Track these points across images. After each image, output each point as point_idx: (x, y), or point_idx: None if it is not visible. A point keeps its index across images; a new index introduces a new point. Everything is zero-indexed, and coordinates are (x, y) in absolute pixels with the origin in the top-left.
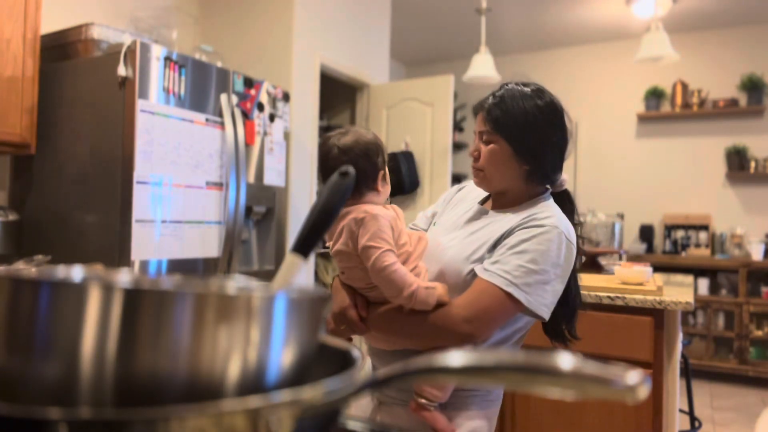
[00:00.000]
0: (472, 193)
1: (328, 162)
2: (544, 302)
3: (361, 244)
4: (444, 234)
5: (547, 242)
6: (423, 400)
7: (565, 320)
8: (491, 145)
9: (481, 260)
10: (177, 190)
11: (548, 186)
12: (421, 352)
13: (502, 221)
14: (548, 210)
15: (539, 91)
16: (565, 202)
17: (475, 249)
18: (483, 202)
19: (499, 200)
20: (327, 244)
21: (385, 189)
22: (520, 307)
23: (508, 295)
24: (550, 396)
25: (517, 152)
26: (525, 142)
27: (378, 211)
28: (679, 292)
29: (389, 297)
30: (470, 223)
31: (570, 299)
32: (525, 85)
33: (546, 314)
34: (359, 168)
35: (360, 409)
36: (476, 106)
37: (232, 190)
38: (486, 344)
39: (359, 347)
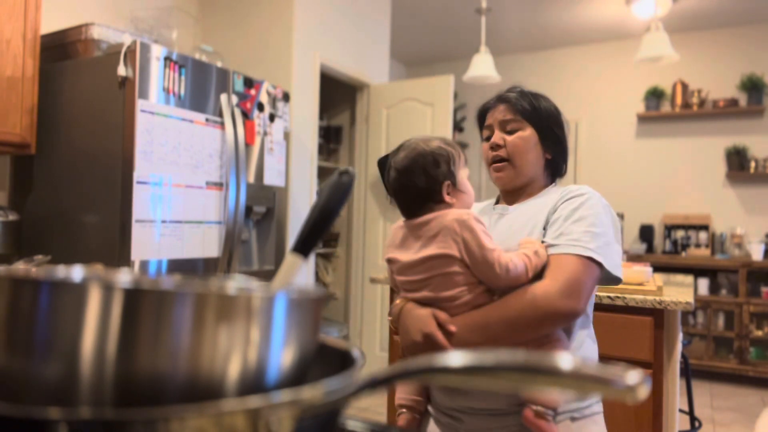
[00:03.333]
0: (477, 207)
1: (387, 183)
2: (615, 262)
3: (477, 248)
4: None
5: (595, 206)
6: (540, 408)
7: None
8: (519, 132)
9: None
10: (177, 190)
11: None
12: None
13: (534, 206)
14: (573, 186)
15: (545, 96)
16: None
17: (526, 236)
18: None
19: (510, 200)
20: (389, 256)
21: (461, 197)
22: (601, 270)
23: (590, 259)
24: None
25: (543, 139)
26: (551, 130)
27: (475, 215)
28: (679, 292)
29: (513, 285)
30: (498, 223)
31: None
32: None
33: (620, 273)
34: (419, 185)
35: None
36: (491, 100)
37: (232, 190)
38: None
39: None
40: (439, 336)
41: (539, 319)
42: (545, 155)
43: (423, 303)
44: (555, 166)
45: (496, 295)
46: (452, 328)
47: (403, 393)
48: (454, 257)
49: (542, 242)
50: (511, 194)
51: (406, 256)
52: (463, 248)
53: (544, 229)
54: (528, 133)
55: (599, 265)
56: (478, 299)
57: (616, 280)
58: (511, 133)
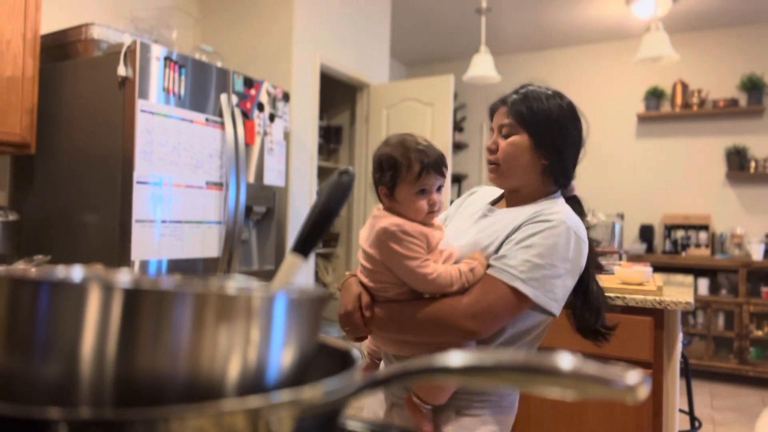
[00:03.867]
0: (484, 196)
1: None
2: (553, 297)
3: (399, 258)
4: (454, 236)
5: (554, 236)
6: (417, 400)
7: (593, 320)
8: (512, 138)
9: (491, 257)
10: (177, 190)
11: (560, 187)
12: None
13: (510, 217)
14: (557, 206)
15: (560, 94)
16: (575, 207)
17: (485, 246)
18: (494, 203)
19: (512, 199)
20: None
21: (396, 206)
22: (527, 302)
23: (513, 289)
24: (550, 396)
25: (537, 145)
26: (547, 136)
27: (406, 225)
28: (679, 292)
29: (433, 293)
30: (479, 222)
31: (592, 299)
32: (547, 87)
33: (556, 309)
34: (373, 179)
35: (372, 411)
36: (496, 102)
37: (232, 190)
38: (497, 341)
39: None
40: (357, 316)
41: (441, 329)
42: (541, 161)
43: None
44: (556, 172)
45: (427, 295)
46: (367, 313)
47: (369, 341)
48: (378, 260)
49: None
50: (508, 195)
51: (364, 241)
52: (386, 257)
53: (501, 245)
54: (520, 138)
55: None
56: (401, 296)
57: (551, 314)
58: (507, 136)
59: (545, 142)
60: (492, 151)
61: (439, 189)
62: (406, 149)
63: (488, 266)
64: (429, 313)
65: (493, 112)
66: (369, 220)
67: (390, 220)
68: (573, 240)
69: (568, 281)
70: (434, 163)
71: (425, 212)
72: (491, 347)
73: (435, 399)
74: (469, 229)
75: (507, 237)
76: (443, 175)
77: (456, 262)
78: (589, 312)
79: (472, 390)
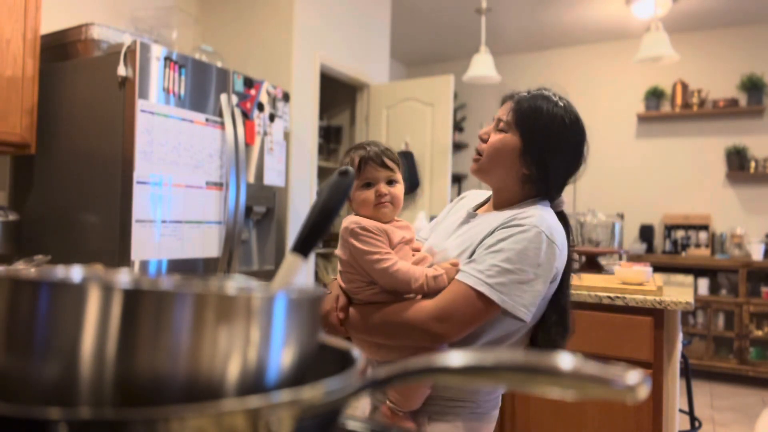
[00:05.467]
0: (472, 201)
1: None
2: (522, 302)
3: (360, 254)
4: (437, 241)
5: (524, 241)
6: (391, 404)
7: (560, 339)
8: (503, 134)
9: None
10: (177, 190)
11: (543, 199)
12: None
13: (486, 222)
14: (532, 210)
15: (570, 108)
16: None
17: (460, 252)
18: (478, 207)
19: (495, 202)
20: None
21: (354, 206)
22: (494, 307)
23: (480, 294)
24: (550, 396)
25: (525, 151)
26: (537, 145)
27: (364, 222)
28: (679, 292)
29: (403, 294)
30: (459, 227)
31: (566, 318)
32: (561, 98)
33: (525, 315)
34: None
35: (362, 411)
36: (507, 95)
37: (232, 190)
38: (475, 345)
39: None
40: (333, 316)
41: (408, 331)
42: (523, 169)
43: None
44: (538, 185)
45: (400, 297)
46: (341, 314)
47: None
48: (344, 260)
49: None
50: (494, 196)
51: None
52: (349, 253)
53: (475, 249)
54: (511, 138)
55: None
56: (375, 297)
57: (520, 320)
58: (500, 131)
59: (533, 151)
60: (482, 140)
61: (390, 183)
62: (349, 151)
63: (459, 272)
64: (397, 314)
65: (502, 103)
66: None
67: (350, 219)
68: (545, 244)
69: (539, 286)
70: (374, 156)
71: (372, 203)
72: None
73: (408, 404)
74: (450, 234)
75: (480, 242)
76: (388, 168)
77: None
78: (560, 331)
79: (445, 395)
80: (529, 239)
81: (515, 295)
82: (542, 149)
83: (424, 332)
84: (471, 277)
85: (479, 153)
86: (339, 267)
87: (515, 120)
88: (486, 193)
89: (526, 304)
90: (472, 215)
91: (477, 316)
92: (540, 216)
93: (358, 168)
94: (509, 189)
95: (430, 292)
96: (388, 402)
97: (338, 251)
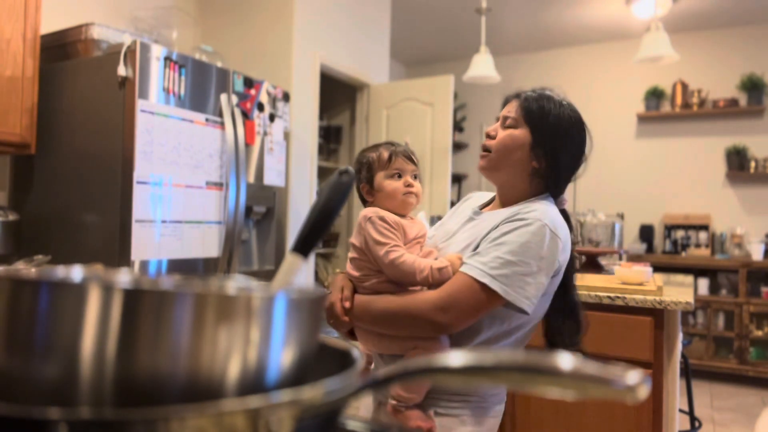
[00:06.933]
0: (477, 201)
1: None
2: (525, 294)
3: (371, 242)
4: (442, 240)
5: (527, 234)
6: (395, 402)
7: (572, 337)
8: (512, 130)
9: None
10: (177, 190)
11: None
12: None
13: (491, 218)
14: (536, 205)
15: (573, 107)
16: None
17: (464, 248)
18: (483, 207)
19: (500, 200)
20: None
21: (378, 195)
22: (496, 298)
23: (483, 285)
24: (550, 396)
25: (535, 145)
26: (547, 138)
27: (384, 213)
28: (679, 292)
29: (409, 285)
30: (464, 225)
31: (577, 313)
32: (563, 98)
33: (527, 307)
34: (356, 186)
35: (366, 408)
36: (511, 95)
37: (232, 190)
38: (479, 339)
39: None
40: (338, 306)
41: (412, 320)
42: (532, 162)
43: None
44: (546, 179)
45: (404, 288)
46: (346, 303)
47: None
48: (359, 247)
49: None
50: (498, 194)
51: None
52: (363, 240)
53: (479, 244)
54: (520, 133)
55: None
56: (380, 286)
57: (523, 312)
58: (508, 128)
59: (544, 144)
60: (489, 137)
61: (415, 177)
62: (375, 147)
63: (463, 264)
64: (400, 304)
65: (505, 103)
66: None
67: (371, 209)
68: (548, 237)
69: (542, 279)
70: (402, 151)
71: (401, 192)
72: (467, 348)
73: (411, 398)
74: (455, 232)
75: (485, 236)
76: (414, 164)
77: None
78: (573, 331)
79: (450, 390)
80: (532, 232)
81: (518, 286)
82: (552, 143)
83: (427, 322)
84: (474, 269)
85: (487, 150)
86: (350, 254)
87: (524, 116)
88: (489, 194)
89: (529, 296)
90: (477, 213)
91: (480, 306)
92: (543, 210)
93: (388, 160)
94: (517, 186)
95: (434, 284)
96: (390, 400)
97: (353, 238)
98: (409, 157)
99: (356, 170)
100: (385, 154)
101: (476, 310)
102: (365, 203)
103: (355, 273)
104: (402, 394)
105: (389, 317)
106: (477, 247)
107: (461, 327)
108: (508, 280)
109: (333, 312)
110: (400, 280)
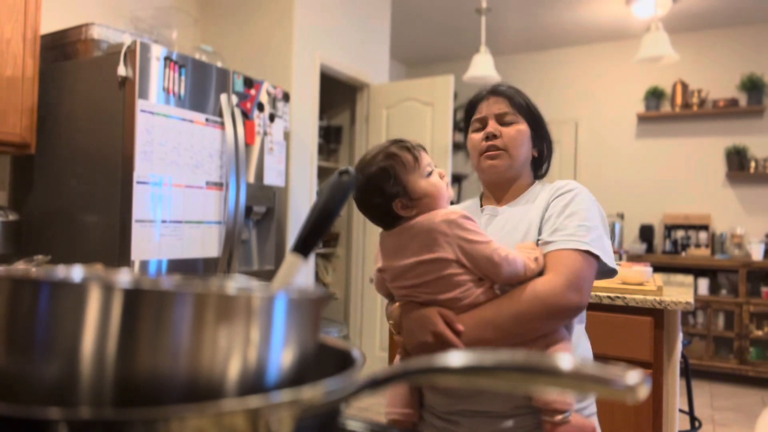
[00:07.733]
0: (468, 208)
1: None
2: (610, 255)
3: (472, 246)
4: None
5: (584, 201)
6: (559, 417)
7: None
8: (515, 125)
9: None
10: (177, 190)
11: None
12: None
13: (525, 206)
14: (557, 182)
15: None
16: None
17: (520, 238)
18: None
19: (498, 196)
20: (380, 266)
21: (420, 203)
22: (598, 263)
23: (587, 253)
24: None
25: (534, 135)
26: (540, 127)
27: (459, 211)
28: (679, 292)
29: (512, 282)
30: (490, 223)
31: None
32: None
33: (615, 265)
34: (378, 204)
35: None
36: (483, 92)
37: (232, 190)
38: (583, 324)
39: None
40: (449, 334)
41: (546, 313)
42: (532, 152)
43: (424, 304)
44: (539, 164)
45: (499, 292)
46: (460, 326)
47: (393, 407)
48: (449, 259)
49: (538, 241)
50: (498, 189)
51: (397, 262)
52: (458, 248)
53: (540, 228)
54: (523, 127)
55: (596, 257)
56: (482, 297)
57: (612, 272)
58: (507, 125)
59: (539, 134)
60: (494, 136)
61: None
62: (385, 155)
63: (546, 246)
64: (525, 300)
65: (476, 102)
66: (384, 240)
67: (439, 214)
68: (595, 203)
69: (608, 240)
70: (417, 146)
71: (444, 187)
72: (575, 320)
73: (571, 403)
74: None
75: (541, 220)
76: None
77: None
78: None
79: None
80: (587, 199)
81: (603, 248)
82: (542, 129)
83: (561, 308)
84: (571, 242)
85: (499, 148)
86: (430, 275)
87: (519, 111)
88: (463, 204)
89: (611, 255)
90: (494, 212)
91: (593, 274)
92: (574, 182)
93: (415, 159)
94: (523, 176)
95: (534, 275)
96: (554, 416)
97: (436, 254)
98: (425, 150)
99: (376, 191)
100: (408, 156)
101: (593, 279)
102: (395, 222)
103: (450, 294)
104: (564, 400)
105: (517, 320)
106: (540, 232)
107: (588, 300)
108: (597, 244)
109: (443, 342)
110: (508, 279)
